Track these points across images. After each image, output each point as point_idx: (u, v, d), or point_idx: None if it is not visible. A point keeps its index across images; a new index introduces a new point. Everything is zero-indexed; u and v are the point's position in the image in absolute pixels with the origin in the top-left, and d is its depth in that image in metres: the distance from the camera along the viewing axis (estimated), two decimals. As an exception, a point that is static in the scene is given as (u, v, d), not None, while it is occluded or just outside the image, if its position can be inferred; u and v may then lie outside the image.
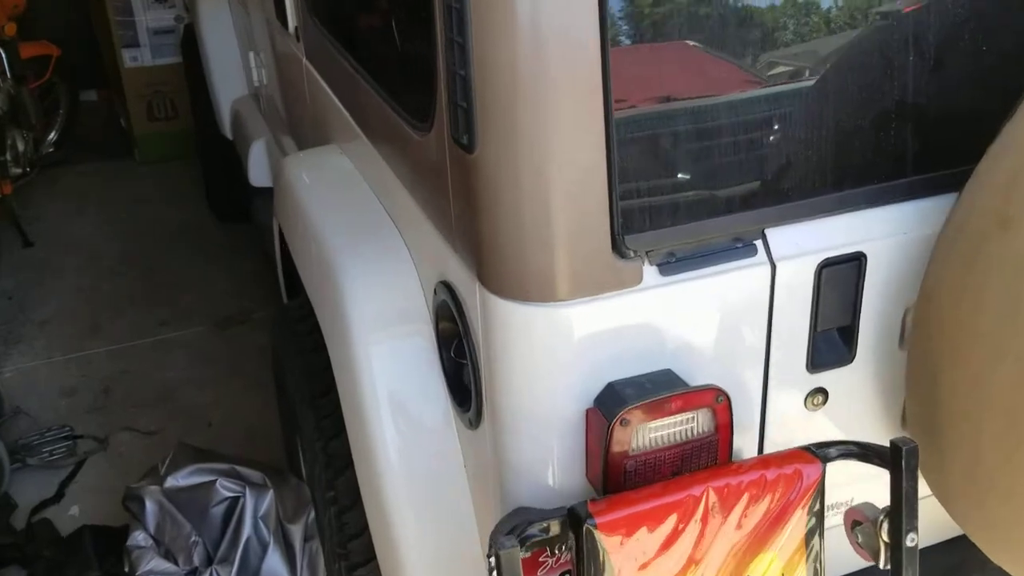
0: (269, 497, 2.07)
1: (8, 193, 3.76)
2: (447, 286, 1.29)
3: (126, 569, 2.14)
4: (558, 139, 1.02)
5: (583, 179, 1.05)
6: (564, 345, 1.11)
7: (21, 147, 3.91)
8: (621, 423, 1.05)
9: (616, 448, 1.06)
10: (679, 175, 1.12)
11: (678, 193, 1.12)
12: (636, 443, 1.08)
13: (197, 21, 3.69)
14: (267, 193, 3.32)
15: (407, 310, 1.45)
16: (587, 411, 1.12)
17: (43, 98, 4.76)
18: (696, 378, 1.15)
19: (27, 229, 4.15)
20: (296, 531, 2.06)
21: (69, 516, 2.61)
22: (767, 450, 1.25)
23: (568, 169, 1.04)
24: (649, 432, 1.08)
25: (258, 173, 3.21)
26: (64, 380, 3.20)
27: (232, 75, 3.61)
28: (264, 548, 2.03)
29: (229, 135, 3.68)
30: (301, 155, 2.01)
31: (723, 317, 1.16)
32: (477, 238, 1.11)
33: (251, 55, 3.13)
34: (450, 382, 1.36)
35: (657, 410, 1.07)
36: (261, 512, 2.06)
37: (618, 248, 1.08)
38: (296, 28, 2.17)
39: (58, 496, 2.66)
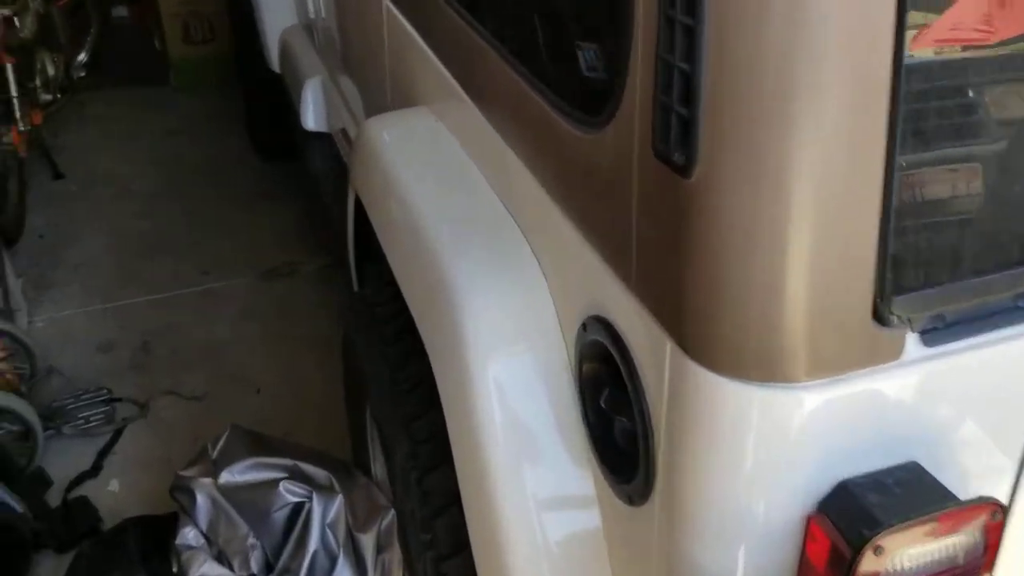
0: (338, 503, 1.83)
1: (38, 123, 3.48)
2: (605, 325, 1.01)
3: (175, 570, 1.93)
4: (823, 165, 0.74)
5: (849, 221, 0.76)
6: (789, 436, 0.84)
7: (51, 72, 3.61)
8: (874, 551, 0.79)
9: (860, 581, 0.80)
10: (970, 211, 0.83)
11: (964, 236, 0.83)
12: (884, 571, 0.82)
13: (243, -62, 3.34)
14: (321, 138, 3.03)
15: (534, 334, 1.18)
16: (810, 519, 0.86)
17: (72, 16, 4.45)
18: (944, 471, 0.88)
19: (57, 160, 3.89)
20: (367, 541, 1.83)
21: (108, 492, 2.40)
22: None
23: (831, 205, 0.75)
24: (903, 559, 0.81)
25: (313, 116, 2.91)
26: (101, 333, 2.97)
27: (281, 2, 3.28)
28: (332, 560, 1.81)
29: (277, 68, 3.36)
30: (387, 119, 1.71)
31: (993, 398, 0.88)
32: (679, 287, 0.83)
33: (308, -16, 2.80)
34: (594, 435, 1.10)
35: (919, 532, 0.80)
36: (329, 519, 1.83)
37: (880, 313, 0.80)
38: None
39: (95, 469, 2.45)
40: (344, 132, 2.75)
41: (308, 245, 3.38)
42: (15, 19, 3.02)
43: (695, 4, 0.73)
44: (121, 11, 5.35)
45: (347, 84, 2.55)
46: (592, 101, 0.96)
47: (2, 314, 2.71)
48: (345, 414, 2.12)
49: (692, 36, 0.74)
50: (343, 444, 2.19)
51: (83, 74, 3.90)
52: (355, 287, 2.06)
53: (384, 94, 2.00)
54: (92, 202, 3.68)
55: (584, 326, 1.07)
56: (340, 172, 2.89)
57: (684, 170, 0.79)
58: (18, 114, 3.18)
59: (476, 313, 1.17)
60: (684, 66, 0.76)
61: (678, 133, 0.79)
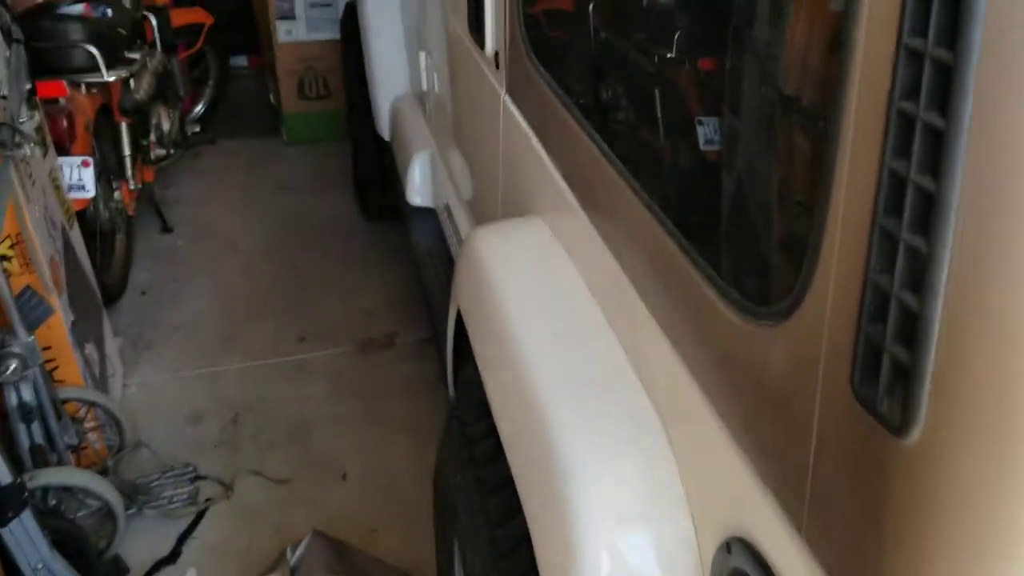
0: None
1: (150, 180, 3.48)
2: (756, 556, 0.81)
3: None
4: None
5: None
6: None
7: (167, 127, 3.63)
8: None
9: None
10: None
11: None
12: None
13: (361, 4, 3.28)
14: (425, 212, 2.92)
15: (660, 538, 0.98)
16: None
17: (192, 67, 4.51)
18: None
19: (166, 212, 3.90)
20: None
21: (185, 581, 2.29)
22: None
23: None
24: None
25: (419, 191, 2.79)
26: (192, 402, 2.90)
27: (395, 69, 3.21)
28: None
29: (386, 136, 3.28)
30: (497, 230, 1.55)
31: None
32: (876, 568, 0.63)
33: (422, 55, 2.70)
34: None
35: None
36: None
37: None
38: (497, 53, 1.71)
39: (174, 555, 2.35)
40: (449, 209, 2.62)
41: (408, 315, 3.26)
42: (131, 80, 3.01)
43: (935, 212, 0.54)
44: (241, 60, 5.44)
45: (456, 161, 2.42)
46: (765, 285, 0.77)
47: (97, 382, 2.65)
48: (433, 521, 1.96)
49: (924, 259, 0.55)
50: (429, 550, 2.02)
51: (197, 129, 3.90)
52: (450, 394, 1.90)
53: (495, 188, 1.85)
54: (198, 258, 3.66)
55: (727, 547, 0.87)
56: (442, 252, 2.77)
57: (896, 427, 0.59)
58: (130, 173, 3.18)
59: (590, 504, 0.98)
60: (908, 298, 0.56)
61: (890, 379, 0.59)
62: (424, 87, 2.73)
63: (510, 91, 1.67)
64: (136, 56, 2.97)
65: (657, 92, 1.31)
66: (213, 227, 3.89)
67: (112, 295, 3.24)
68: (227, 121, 4.72)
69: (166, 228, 3.83)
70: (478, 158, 2.04)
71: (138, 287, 3.45)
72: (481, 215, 2.08)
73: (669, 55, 1.29)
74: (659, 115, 1.30)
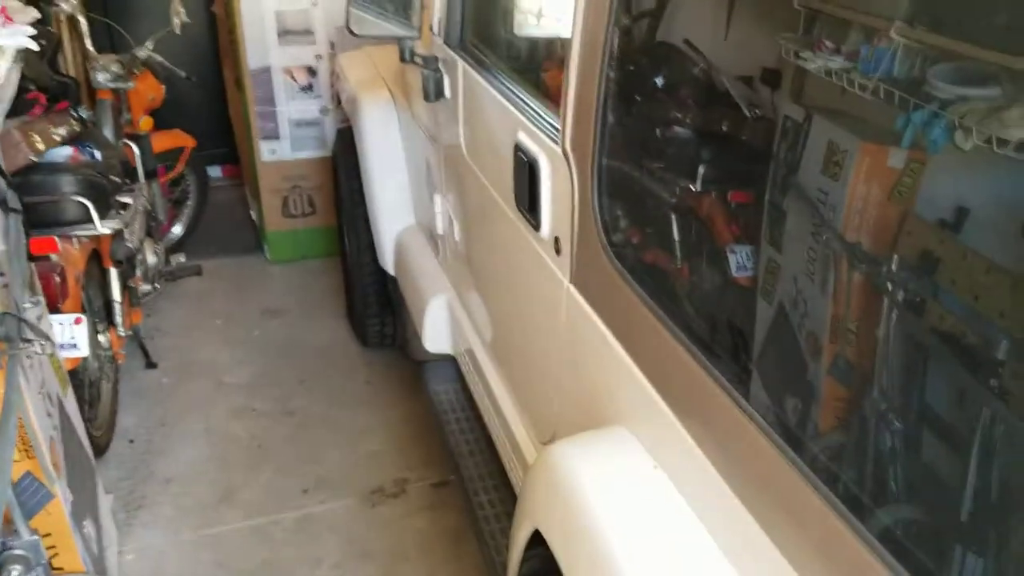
0: None
1: (138, 322, 3.31)
2: None
3: None
4: None
5: None
6: None
7: (152, 261, 3.46)
8: None
9: None
10: None
11: None
12: None
13: (359, 131, 3.19)
14: (444, 360, 2.78)
15: None
16: None
17: (172, 187, 4.37)
18: None
19: (150, 346, 3.71)
20: None
21: None
22: None
23: None
24: None
25: (436, 337, 2.66)
26: (194, 570, 2.69)
27: (399, 202, 3.11)
28: None
29: (390, 270, 3.16)
30: (580, 446, 1.43)
31: None
32: None
33: (437, 198, 2.60)
34: None
35: None
36: None
37: None
38: (557, 239, 1.61)
39: None
40: (472, 355, 2.50)
41: (416, 458, 3.10)
42: (124, 232, 2.86)
43: None
44: (215, 170, 5.31)
45: (479, 310, 2.31)
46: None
47: (96, 559, 2.44)
48: None
49: None
50: None
51: (182, 258, 3.74)
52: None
53: (553, 382, 1.73)
54: (185, 398, 3.47)
55: None
56: (464, 401, 2.64)
57: None
58: (119, 319, 3.00)
59: None
60: None
61: None
62: (439, 230, 2.63)
63: (578, 283, 1.56)
64: (129, 200, 2.82)
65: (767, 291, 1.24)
66: (199, 361, 3.70)
67: (100, 447, 3.03)
68: (206, 240, 4.56)
69: (150, 363, 3.63)
70: (525, 338, 1.93)
71: (126, 434, 3.25)
72: (532, 409, 1.95)
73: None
74: (772, 317, 1.22)
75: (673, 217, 1.44)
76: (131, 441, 3.23)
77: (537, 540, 1.45)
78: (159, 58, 3.57)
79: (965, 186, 1.03)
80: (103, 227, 2.60)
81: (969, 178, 1.03)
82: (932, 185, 1.06)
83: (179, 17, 3.47)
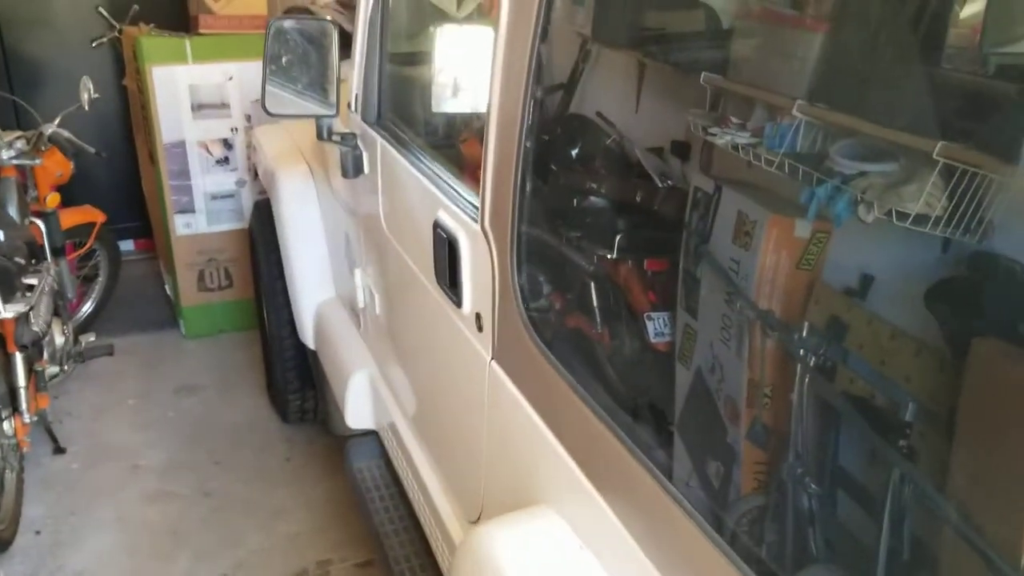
0: None
1: (45, 407, 3.17)
2: None
3: None
4: None
5: None
6: None
7: (60, 341, 3.34)
8: None
9: None
10: None
11: None
12: None
13: (277, 205, 3.16)
14: (366, 436, 2.73)
15: None
16: None
17: (81, 263, 4.24)
18: None
19: (58, 430, 3.55)
20: None
21: None
22: None
23: None
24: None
25: (358, 413, 2.62)
26: (105, 673, 2.55)
27: (319, 275, 3.07)
28: None
29: (310, 344, 3.11)
30: (504, 528, 1.40)
31: None
32: None
33: (357, 272, 2.58)
34: None
35: None
36: None
37: None
38: (479, 315, 1.61)
39: None
40: (395, 429, 2.46)
41: (339, 537, 3.01)
42: (30, 315, 2.75)
43: None
44: (127, 244, 5.18)
45: (404, 381, 2.28)
46: None
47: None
48: None
49: None
50: None
51: (92, 338, 3.61)
52: None
53: (475, 460, 1.71)
54: (96, 484, 3.32)
55: None
56: (387, 476, 2.58)
57: None
58: (24, 405, 2.87)
59: None
60: None
61: None
62: (360, 304, 2.60)
63: (500, 359, 1.56)
64: (34, 282, 2.73)
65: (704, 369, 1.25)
66: (110, 444, 3.55)
67: (4, 541, 2.88)
68: (118, 316, 4.43)
69: (58, 449, 3.48)
70: (449, 415, 1.91)
71: (32, 526, 3.08)
72: (459, 487, 1.92)
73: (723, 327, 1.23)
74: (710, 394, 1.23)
75: (590, 289, 1.46)
76: (37, 532, 3.06)
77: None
78: (66, 134, 3.49)
79: (869, 255, 1.07)
80: (7, 311, 2.50)
81: (872, 248, 1.07)
82: (837, 255, 1.09)
83: (88, 93, 3.41)
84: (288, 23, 2.13)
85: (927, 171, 0.97)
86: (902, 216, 0.98)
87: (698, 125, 1.35)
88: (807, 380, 1.12)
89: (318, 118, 2.17)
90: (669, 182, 1.51)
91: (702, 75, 1.32)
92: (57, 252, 3.57)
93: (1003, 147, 0.93)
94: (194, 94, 3.95)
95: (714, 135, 1.31)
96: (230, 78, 3.94)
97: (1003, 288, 0.92)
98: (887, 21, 1.16)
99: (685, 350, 1.35)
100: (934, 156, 0.95)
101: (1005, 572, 0.79)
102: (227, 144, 4.08)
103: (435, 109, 2.16)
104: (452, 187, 1.75)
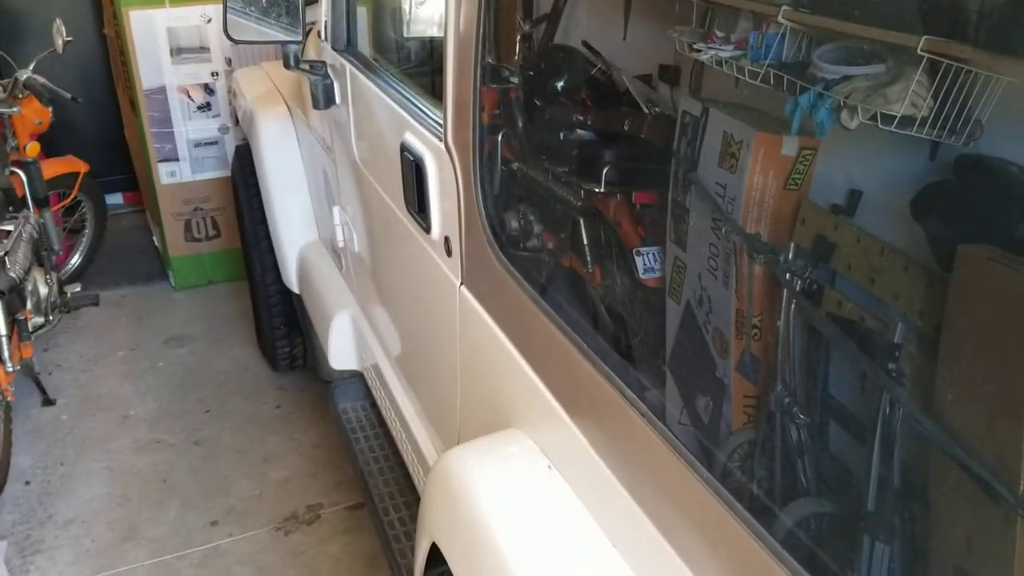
0: None
1: (29, 356, 3.13)
2: None
3: None
4: None
5: None
6: None
7: (44, 292, 3.29)
8: None
9: None
10: None
11: None
12: None
13: (257, 148, 3.09)
14: (351, 377, 2.69)
15: None
16: None
17: (67, 215, 4.19)
18: None
19: (47, 382, 3.52)
20: None
21: None
22: None
23: None
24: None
25: (342, 354, 2.58)
26: (94, 616, 2.54)
27: (300, 218, 3.02)
28: None
29: (295, 288, 3.06)
30: (474, 452, 1.36)
31: None
32: None
33: (335, 210, 2.52)
34: None
35: None
36: None
37: None
38: (447, 239, 1.55)
39: None
40: (378, 370, 2.42)
41: (329, 481, 2.99)
42: (6, 260, 2.70)
43: None
44: (116, 198, 5.12)
45: (384, 321, 2.23)
46: None
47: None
48: None
49: None
50: None
51: (78, 287, 3.57)
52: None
53: (451, 389, 1.66)
54: (86, 434, 3.30)
55: None
56: (373, 417, 2.55)
57: None
58: (6, 354, 2.83)
59: None
60: None
61: None
62: (339, 243, 2.54)
63: (469, 284, 1.50)
64: (9, 228, 2.67)
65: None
66: (100, 395, 3.53)
67: (-8, 492, 2.86)
68: (107, 269, 4.38)
69: (47, 401, 3.45)
70: (424, 345, 1.86)
71: (21, 476, 3.06)
72: (437, 417, 1.87)
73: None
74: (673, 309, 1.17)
75: (556, 210, 1.40)
76: (27, 483, 3.05)
77: (439, 556, 1.37)
78: (42, 80, 3.40)
79: (857, 168, 1.01)
80: (-21, 257, 2.45)
81: (860, 160, 1.01)
82: (826, 170, 1.03)
83: (61, 37, 3.32)
84: (248, -54, 2.04)
85: (912, 70, 0.90)
86: (886, 119, 0.92)
87: (684, 43, 1.28)
88: (793, 306, 1.06)
89: (284, 45, 2.09)
90: (656, 109, 1.44)
91: None
92: (40, 202, 3.51)
93: (990, 40, 0.87)
94: (173, 37, 3.86)
95: (699, 51, 1.24)
96: (208, 20, 3.84)
97: (990, 190, 0.86)
98: None
99: (659, 278, 1.30)
100: (918, 51, 0.88)
101: (1003, 496, 0.74)
102: (208, 89, 3.99)
103: (405, 32, 2.09)
104: (419, 107, 1.69)
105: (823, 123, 1.01)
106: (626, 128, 1.49)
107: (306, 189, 3.01)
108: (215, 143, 4.09)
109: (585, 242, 1.43)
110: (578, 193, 1.42)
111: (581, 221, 1.44)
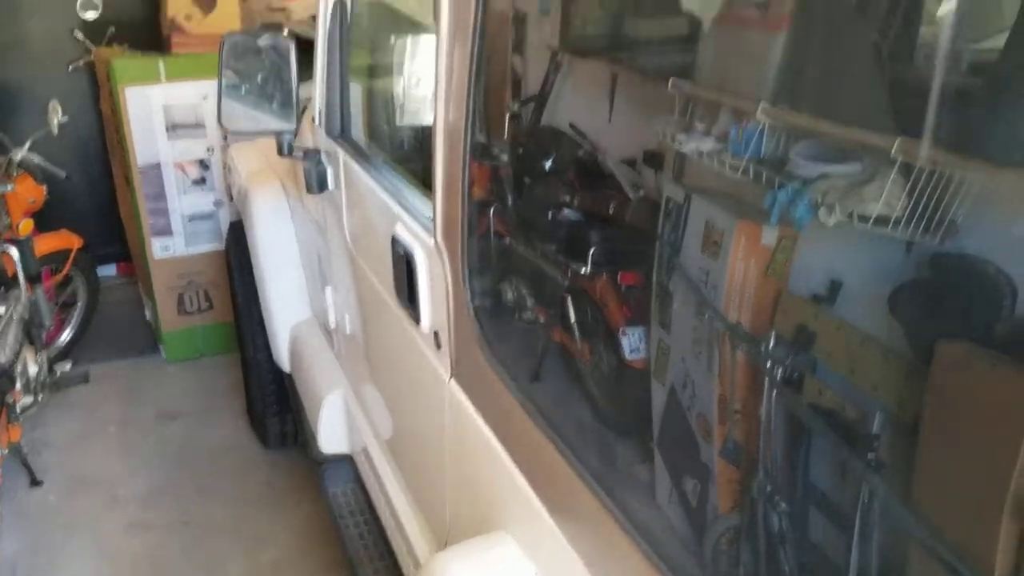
0: None
1: (17, 440, 3.10)
2: None
3: None
4: None
5: None
6: None
7: (33, 371, 3.27)
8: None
9: None
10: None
11: None
12: None
13: (251, 224, 3.10)
14: (341, 460, 2.66)
15: None
16: None
17: (59, 289, 4.18)
18: None
19: (34, 462, 3.47)
20: None
21: None
22: None
23: None
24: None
25: (332, 437, 2.55)
26: None
27: (293, 296, 3.01)
28: None
29: (286, 367, 3.05)
30: (461, 557, 1.34)
31: None
32: None
33: (328, 290, 2.52)
34: None
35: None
36: None
37: None
38: (436, 333, 1.55)
39: None
40: (367, 453, 2.39)
41: (320, 563, 2.94)
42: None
43: None
44: (108, 269, 5.12)
45: (375, 402, 2.21)
46: None
47: None
48: None
49: None
50: None
51: (68, 366, 3.54)
52: None
53: (439, 483, 1.64)
54: (75, 516, 3.24)
55: None
56: (363, 502, 2.51)
57: None
58: (-7, 438, 2.80)
59: None
60: None
61: None
62: (332, 323, 2.54)
63: (459, 379, 1.49)
64: (0, 310, 2.66)
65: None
66: (89, 474, 3.48)
67: (-26, 579, 2.80)
68: (98, 342, 4.36)
69: (35, 481, 3.40)
70: (414, 436, 1.84)
71: (7, 562, 3.01)
72: (426, 509, 1.85)
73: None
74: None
75: (545, 298, 1.40)
76: (13, 570, 2.99)
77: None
78: (37, 159, 3.43)
79: (836, 259, 1.01)
80: (-31, 342, 2.43)
81: (838, 251, 1.02)
82: (805, 260, 1.04)
83: (57, 116, 3.35)
84: (242, 38, 2.07)
85: (887, 170, 0.92)
86: (863, 218, 0.93)
87: (667, 133, 1.30)
88: (775, 394, 1.06)
89: (278, 133, 2.11)
90: (641, 192, 1.45)
91: (670, 81, 1.26)
92: (33, 279, 3.51)
93: (962, 144, 0.88)
94: (168, 114, 3.90)
95: (681, 143, 1.26)
96: (205, 97, 3.89)
97: (966, 289, 0.87)
98: (849, 19, 1.11)
99: (659, 366, 1.29)
100: (892, 154, 0.90)
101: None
102: (204, 164, 4.02)
103: (398, 121, 2.11)
104: (410, 200, 1.69)
105: (802, 219, 1.02)
106: (611, 212, 1.50)
107: (299, 267, 3.01)
108: (210, 217, 4.10)
109: (573, 321, 1.43)
110: (566, 275, 1.42)
111: (568, 299, 1.44)
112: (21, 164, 3.39)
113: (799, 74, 1.16)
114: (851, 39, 1.06)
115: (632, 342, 1.39)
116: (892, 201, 0.93)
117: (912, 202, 0.88)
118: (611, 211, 1.53)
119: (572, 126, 1.72)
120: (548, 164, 1.75)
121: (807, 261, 1.04)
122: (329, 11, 2.12)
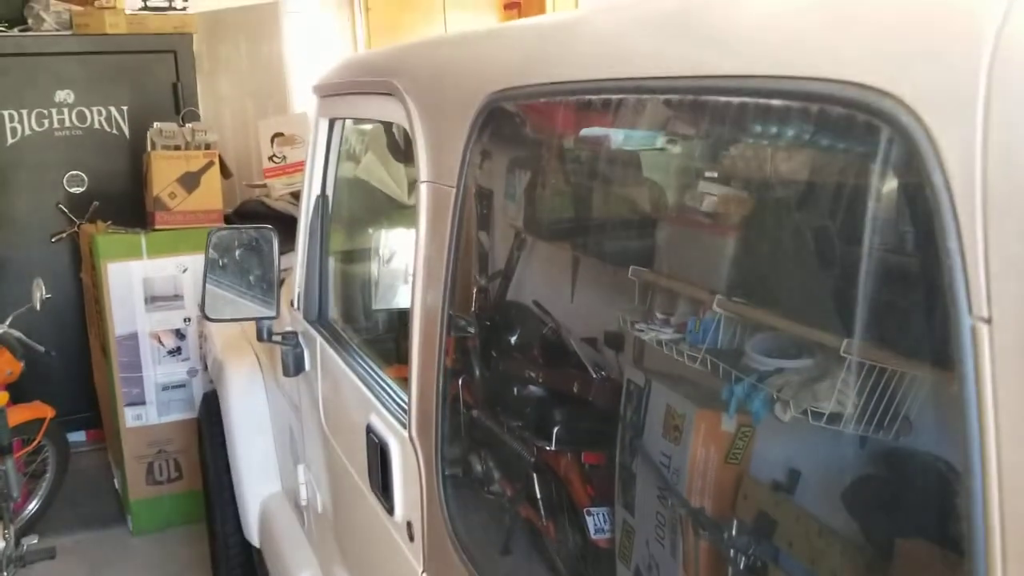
0: None
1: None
2: None
3: None
4: None
5: None
6: None
7: (0, 547, 3.21)
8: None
9: None
10: None
11: None
12: None
13: (225, 396, 3.14)
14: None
15: None
16: None
17: (29, 458, 4.14)
18: None
19: (-9, 644, 3.36)
20: None
21: None
22: None
23: None
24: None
25: (302, 620, 2.51)
26: None
27: (264, 469, 3.02)
28: None
29: (255, 542, 3.02)
30: None
31: None
32: None
33: (300, 468, 2.55)
34: None
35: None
36: None
37: None
38: (410, 524, 1.59)
39: None
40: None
41: None
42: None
43: None
44: (79, 435, 5.07)
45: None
46: None
47: None
48: None
49: None
50: None
51: (35, 540, 3.48)
52: None
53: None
54: None
55: None
56: None
57: None
58: (-48, 622, 2.73)
59: None
60: None
61: None
62: (303, 500, 2.55)
63: (431, 572, 1.52)
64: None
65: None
66: (47, 655, 3.37)
67: None
68: (63, 512, 4.28)
69: (-11, 665, 3.28)
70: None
71: None
72: None
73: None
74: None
75: (518, 503, 1.45)
76: None
77: None
78: (17, 334, 3.49)
79: (794, 449, 1.06)
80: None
81: (795, 441, 1.07)
82: (764, 448, 1.09)
83: (40, 293, 3.44)
84: (227, 232, 2.19)
85: (839, 367, 0.96)
86: (817, 415, 0.97)
87: (627, 320, 1.37)
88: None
89: (259, 320, 2.20)
90: (603, 373, 1.51)
91: (630, 269, 1.32)
92: (3, 450, 3.49)
93: (910, 343, 0.92)
94: (148, 287, 4.00)
95: (641, 331, 1.33)
96: (184, 270, 4.00)
97: (919, 485, 0.91)
98: (795, 221, 1.18)
99: (623, 548, 1.33)
100: (841, 353, 0.94)
101: None
102: (179, 334, 4.09)
103: (375, 307, 2.21)
104: (384, 391, 1.77)
105: (758, 413, 1.08)
106: (575, 390, 1.56)
107: (272, 441, 3.04)
108: (183, 386, 4.14)
109: (539, 500, 1.46)
110: (532, 453, 1.46)
111: (535, 477, 1.47)
112: (1, 340, 3.44)
113: (751, 271, 1.25)
114: (797, 239, 1.15)
115: (597, 522, 1.43)
116: (843, 399, 0.99)
117: (864, 399, 0.93)
118: (575, 389, 1.59)
119: (536, 303, 1.81)
120: (513, 340, 1.83)
121: (766, 450, 1.09)
122: (312, 205, 2.26)
